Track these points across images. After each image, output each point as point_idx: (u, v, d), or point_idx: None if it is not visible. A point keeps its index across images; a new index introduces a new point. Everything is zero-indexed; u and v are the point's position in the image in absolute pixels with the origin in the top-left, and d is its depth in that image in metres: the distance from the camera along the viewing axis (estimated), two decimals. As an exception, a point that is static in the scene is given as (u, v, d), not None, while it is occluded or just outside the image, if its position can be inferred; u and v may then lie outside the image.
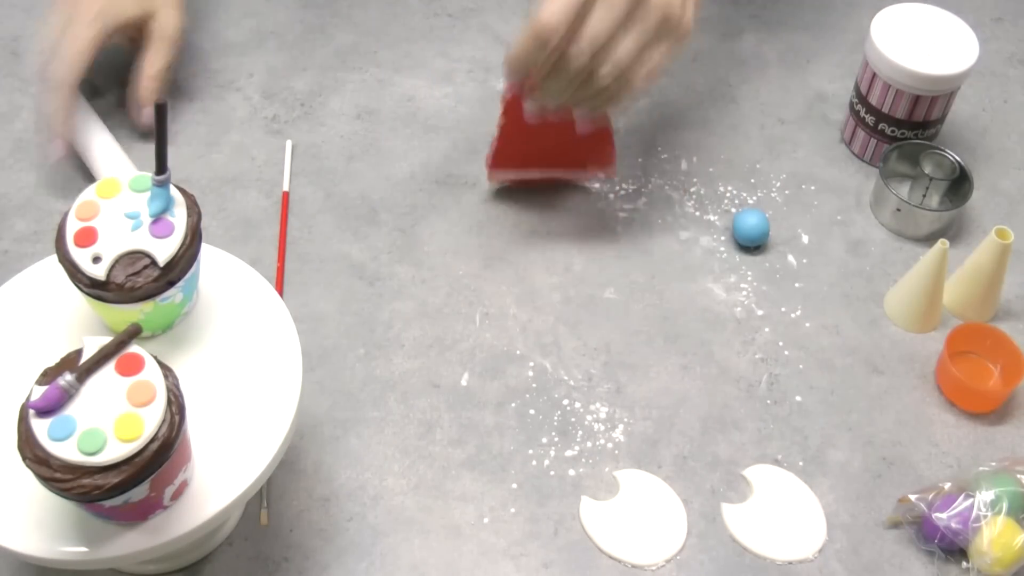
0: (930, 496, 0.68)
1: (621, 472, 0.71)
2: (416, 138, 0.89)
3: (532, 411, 0.74)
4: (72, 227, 0.59)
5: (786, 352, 0.78)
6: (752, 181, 0.88)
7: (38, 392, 0.51)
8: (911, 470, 0.72)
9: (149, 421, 0.52)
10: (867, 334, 0.79)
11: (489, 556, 0.67)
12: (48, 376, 0.52)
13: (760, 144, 0.91)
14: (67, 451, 0.50)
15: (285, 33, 0.97)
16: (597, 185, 0.87)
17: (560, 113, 0.75)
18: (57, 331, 0.63)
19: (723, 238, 0.84)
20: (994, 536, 0.65)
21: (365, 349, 0.76)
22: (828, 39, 1.00)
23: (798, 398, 0.75)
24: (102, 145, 0.83)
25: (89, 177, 0.84)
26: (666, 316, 0.79)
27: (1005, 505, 0.66)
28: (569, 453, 0.72)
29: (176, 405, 0.54)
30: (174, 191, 0.60)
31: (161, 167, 0.59)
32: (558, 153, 0.82)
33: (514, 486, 0.70)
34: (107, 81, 0.91)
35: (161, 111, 0.57)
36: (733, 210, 0.86)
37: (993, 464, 0.70)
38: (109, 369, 0.53)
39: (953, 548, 0.67)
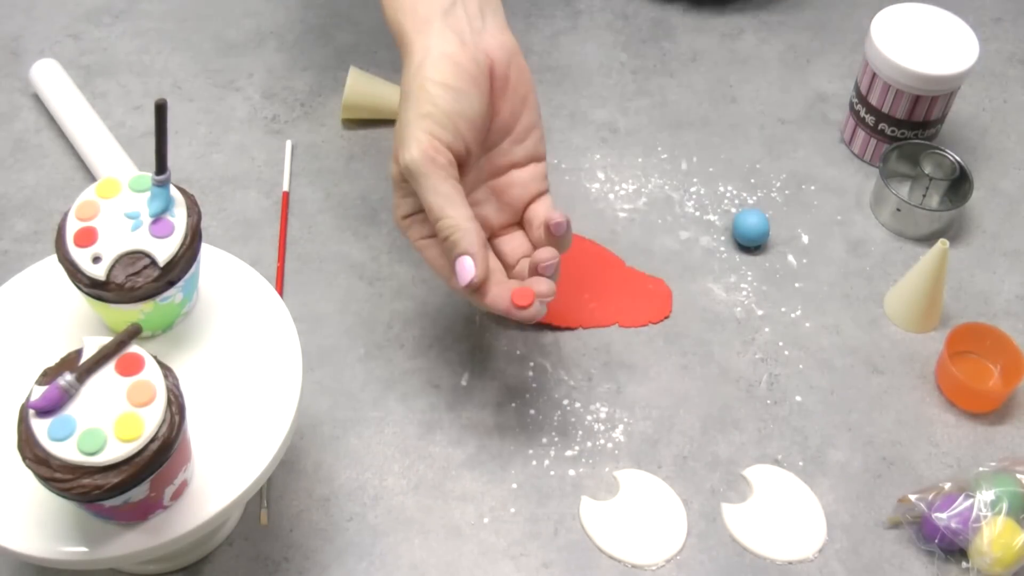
0: (930, 496, 0.68)
1: (621, 472, 0.71)
2: (416, 138, 0.89)
3: (532, 411, 0.74)
4: (72, 227, 0.59)
5: (786, 352, 0.78)
6: (752, 181, 0.88)
7: (38, 392, 0.51)
8: (911, 470, 0.72)
9: (149, 421, 0.52)
10: (867, 334, 0.79)
11: (489, 556, 0.67)
12: (48, 376, 0.52)
13: (760, 144, 0.91)
14: (67, 451, 0.50)
15: (285, 33, 0.96)
16: (597, 185, 0.86)
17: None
18: (57, 331, 0.63)
19: (723, 238, 0.84)
20: (994, 536, 0.65)
21: (365, 349, 0.76)
22: (828, 39, 1.00)
23: (798, 398, 0.75)
24: (102, 145, 0.83)
25: (89, 177, 0.84)
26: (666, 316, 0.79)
27: (1005, 505, 0.66)
28: (569, 453, 0.72)
29: (176, 405, 0.54)
30: (174, 191, 0.60)
31: (161, 167, 0.59)
32: (615, 309, 0.79)
33: (514, 486, 0.70)
34: (104, 77, 0.91)
35: (161, 111, 0.57)
36: (733, 210, 0.86)
37: (993, 464, 0.70)
38: (109, 369, 0.53)
39: (953, 548, 0.67)
